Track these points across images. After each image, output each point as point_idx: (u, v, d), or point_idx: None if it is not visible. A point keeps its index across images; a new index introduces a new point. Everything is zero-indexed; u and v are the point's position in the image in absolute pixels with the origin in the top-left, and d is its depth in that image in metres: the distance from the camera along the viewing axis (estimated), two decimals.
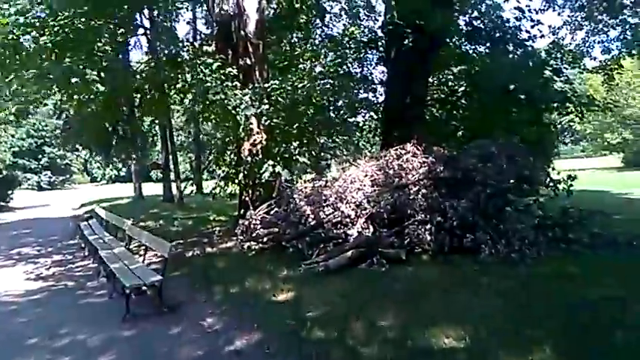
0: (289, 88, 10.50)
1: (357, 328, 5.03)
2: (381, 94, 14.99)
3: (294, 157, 10.82)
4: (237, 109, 9.99)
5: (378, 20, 15.52)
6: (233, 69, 10.56)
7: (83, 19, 10.67)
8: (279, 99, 10.53)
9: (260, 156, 10.49)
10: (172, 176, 23.92)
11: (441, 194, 8.05)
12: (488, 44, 13.48)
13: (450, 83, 14.82)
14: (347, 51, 14.65)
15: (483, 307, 5.20)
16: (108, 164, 59.19)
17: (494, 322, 4.79)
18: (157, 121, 20.26)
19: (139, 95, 14.67)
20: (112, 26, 12.50)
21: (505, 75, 11.56)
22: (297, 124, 11.14)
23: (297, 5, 14.32)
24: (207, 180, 19.89)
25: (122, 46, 14.42)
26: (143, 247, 8.90)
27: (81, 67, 10.68)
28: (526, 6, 13.52)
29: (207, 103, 10.54)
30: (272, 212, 9.37)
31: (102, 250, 8.65)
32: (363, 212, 8.08)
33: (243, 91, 10.20)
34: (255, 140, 10.67)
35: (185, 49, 14.62)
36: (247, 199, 10.64)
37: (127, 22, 13.68)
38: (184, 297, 7.15)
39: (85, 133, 17.25)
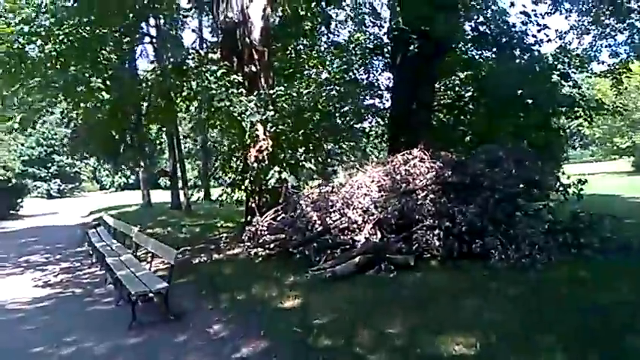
0: (295, 94, 10.50)
1: (365, 336, 4.97)
2: (387, 100, 15.00)
3: (300, 163, 10.80)
4: (243, 116, 9.99)
5: (383, 26, 15.52)
6: (238, 76, 10.58)
7: (88, 28, 10.74)
8: (285, 105, 10.52)
9: (266, 162, 10.45)
10: (180, 184, 23.99)
11: (449, 199, 7.99)
12: (494, 49, 13.39)
13: (456, 88, 14.74)
14: (353, 57, 14.68)
15: (493, 312, 5.14)
16: (117, 172, 59.42)
17: (504, 328, 4.73)
18: (164, 129, 20.30)
19: (145, 103, 14.73)
20: (117, 35, 12.57)
21: (512, 80, 11.48)
22: (303, 131, 11.12)
23: (303, 12, 14.34)
24: (214, 187, 19.94)
25: (128, 55, 14.50)
26: (150, 255, 8.89)
27: (86, 75, 10.73)
28: (532, 10, 13.47)
29: (213, 110, 10.55)
30: (279, 218, 9.35)
31: (109, 258, 8.65)
32: (371, 218, 8.04)
33: (249, 98, 10.20)
34: (261, 147, 10.65)
35: (191, 57, 14.67)
36: (254, 205, 10.63)
37: (133, 30, 13.77)
38: (191, 304, 7.12)
39: (92, 142, 17.28)
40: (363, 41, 15.60)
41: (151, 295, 6.63)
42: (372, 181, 8.72)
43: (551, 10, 15.58)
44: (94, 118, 13.50)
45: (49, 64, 10.84)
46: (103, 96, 11.31)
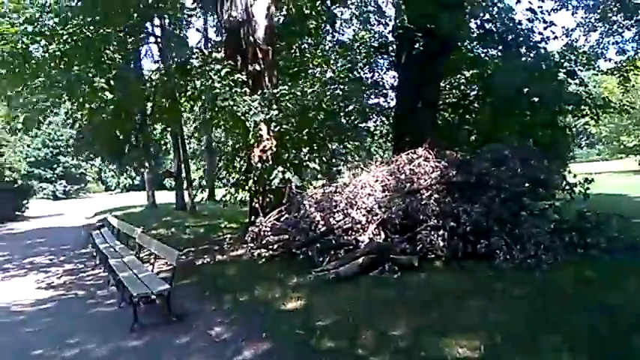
0: (299, 93, 10.42)
1: (368, 337, 4.92)
2: (392, 99, 14.90)
3: (304, 163, 10.73)
4: (247, 115, 9.94)
5: (388, 25, 15.40)
6: (242, 75, 10.51)
7: (92, 28, 10.74)
8: (289, 105, 10.45)
9: (270, 162, 10.39)
10: (185, 184, 24.00)
11: (453, 199, 7.89)
12: (500, 47, 13.26)
13: (462, 87, 14.67)
14: (357, 56, 14.58)
15: (498, 313, 5.07)
16: (122, 173, 59.68)
17: (510, 329, 4.67)
18: (168, 129, 20.32)
19: (150, 103, 14.73)
20: (121, 34, 12.56)
21: (518, 78, 11.34)
22: (307, 130, 11.04)
23: (307, 11, 14.29)
24: (219, 187, 19.90)
25: (132, 55, 14.50)
26: (153, 256, 8.86)
27: (90, 75, 10.73)
28: (538, 7, 13.31)
29: (217, 109, 10.51)
30: (282, 219, 9.28)
31: (112, 259, 8.62)
32: (374, 218, 7.96)
33: (252, 97, 10.15)
34: (264, 146, 10.59)
35: (195, 57, 14.66)
36: (257, 205, 10.56)
37: (137, 30, 13.77)
38: (193, 306, 7.09)
39: (96, 142, 17.34)
40: (367, 40, 15.51)
41: (152, 296, 6.60)
42: (376, 181, 8.64)
43: (558, 6, 15.41)
44: (99, 118, 13.51)
45: (52, 64, 10.86)
46: (107, 96, 11.28)
